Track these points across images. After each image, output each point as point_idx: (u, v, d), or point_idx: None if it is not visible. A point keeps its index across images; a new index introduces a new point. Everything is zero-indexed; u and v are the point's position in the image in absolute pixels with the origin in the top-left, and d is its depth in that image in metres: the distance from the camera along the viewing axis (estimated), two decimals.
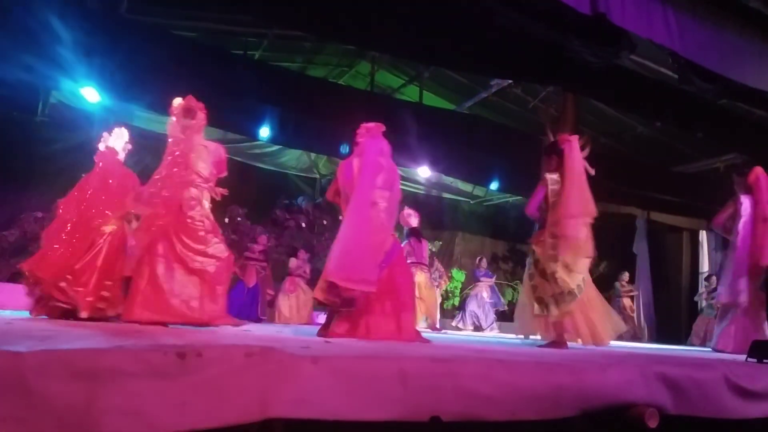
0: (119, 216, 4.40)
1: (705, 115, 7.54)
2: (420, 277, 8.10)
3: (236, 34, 8.99)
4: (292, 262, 9.76)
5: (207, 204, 3.97)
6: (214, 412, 1.37)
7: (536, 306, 4.22)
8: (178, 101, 4.08)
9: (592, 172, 7.61)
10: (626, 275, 11.09)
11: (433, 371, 1.69)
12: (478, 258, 11.14)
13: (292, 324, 8.59)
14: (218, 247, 3.84)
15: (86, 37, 6.11)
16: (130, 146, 4.80)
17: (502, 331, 12.08)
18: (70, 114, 8.96)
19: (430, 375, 1.68)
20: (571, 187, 4.31)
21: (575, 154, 4.43)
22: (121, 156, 4.72)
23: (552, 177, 4.42)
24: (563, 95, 8.11)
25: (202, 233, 3.80)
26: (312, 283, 11.25)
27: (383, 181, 3.96)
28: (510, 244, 14.57)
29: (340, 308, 3.71)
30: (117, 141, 4.71)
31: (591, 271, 11.95)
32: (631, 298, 11.09)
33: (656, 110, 7.67)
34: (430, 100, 10.49)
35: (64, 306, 4.05)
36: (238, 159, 10.77)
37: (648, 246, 12.13)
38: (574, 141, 4.48)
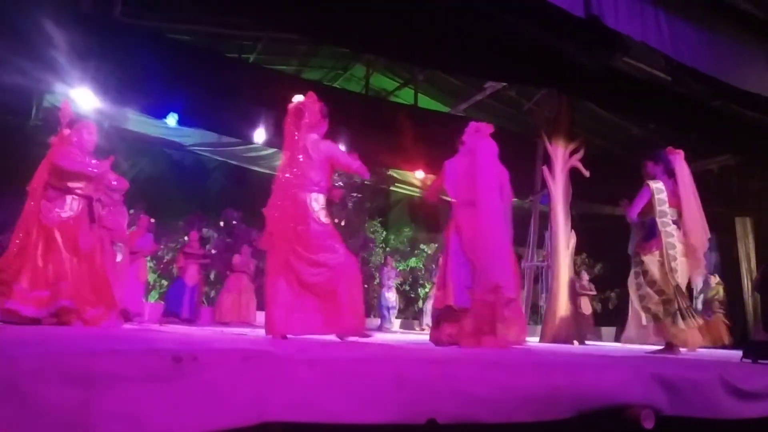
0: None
1: (698, 117, 7.58)
2: None
3: (231, 37, 8.99)
4: (236, 258, 9.27)
5: (318, 207, 3.68)
6: (210, 415, 1.37)
7: (645, 316, 4.26)
8: (298, 98, 3.88)
9: (587, 174, 7.64)
10: (585, 275, 10.47)
11: (429, 373, 1.69)
12: (386, 256, 10.88)
13: (232, 324, 8.11)
14: (332, 256, 3.58)
15: (80, 41, 6.10)
16: (69, 116, 4.34)
17: None
18: None
19: (427, 377, 1.68)
20: (697, 205, 4.44)
21: (685, 169, 4.51)
22: (65, 131, 4.23)
23: (657, 186, 4.43)
24: (557, 97, 8.13)
25: (316, 242, 3.56)
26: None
27: (499, 183, 3.99)
28: None
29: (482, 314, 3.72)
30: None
31: (588, 273, 11.74)
32: (590, 298, 10.38)
33: (650, 112, 7.71)
34: (425, 102, 10.52)
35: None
36: (233, 162, 10.75)
37: None
38: (681, 155, 4.55)
